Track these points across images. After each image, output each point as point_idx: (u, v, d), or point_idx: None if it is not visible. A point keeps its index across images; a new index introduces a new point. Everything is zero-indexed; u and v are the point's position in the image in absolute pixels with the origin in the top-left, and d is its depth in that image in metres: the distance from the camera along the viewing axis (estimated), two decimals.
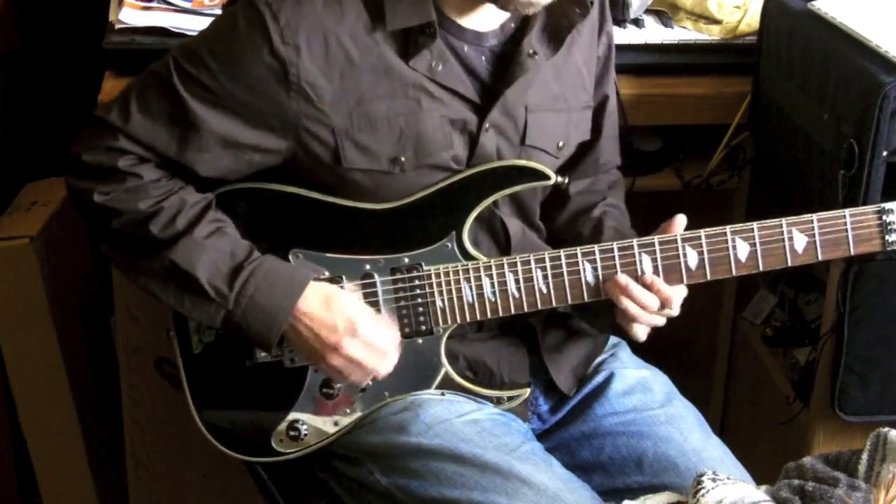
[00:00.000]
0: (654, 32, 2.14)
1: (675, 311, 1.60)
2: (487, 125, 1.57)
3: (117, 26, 2.00)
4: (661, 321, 1.61)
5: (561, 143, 1.66)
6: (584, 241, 1.64)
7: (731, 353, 2.37)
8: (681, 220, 1.59)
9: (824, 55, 1.78)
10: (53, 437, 2.38)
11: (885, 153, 1.66)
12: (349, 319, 1.52)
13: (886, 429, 1.42)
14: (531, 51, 1.58)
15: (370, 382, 1.59)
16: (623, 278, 1.56)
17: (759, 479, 1.56)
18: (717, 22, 2.14)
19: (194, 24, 2.00)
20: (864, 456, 1.41)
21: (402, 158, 1.54)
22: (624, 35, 2.09)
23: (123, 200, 1.52)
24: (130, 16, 2.01)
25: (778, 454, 2.05)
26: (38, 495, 2.45)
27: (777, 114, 1.94)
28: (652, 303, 1.57)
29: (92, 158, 1.52)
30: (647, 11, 2.18)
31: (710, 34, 2.15)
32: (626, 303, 1.56)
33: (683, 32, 2.16)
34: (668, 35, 2.14)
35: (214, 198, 1.57)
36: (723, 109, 2.07)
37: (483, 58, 1.58)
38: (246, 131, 1.51)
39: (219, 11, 2.01)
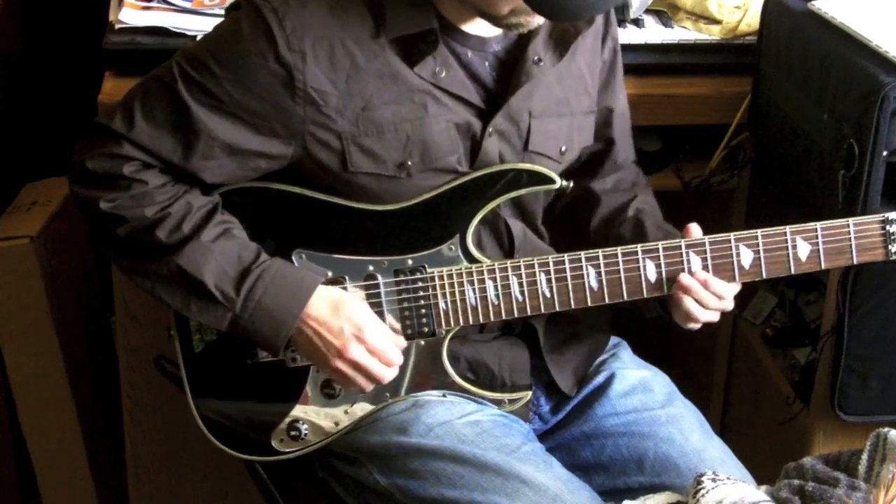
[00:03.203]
0: (654, 32, 2.14)
1: (729, 305, 1.62)
2: (491, 130, 1.57)
3: (117, 26, 1.99)
4: (715, 317, 1.62)
5: (563, 148, 1.65)
6: (626, 243, 1.61)
7: (731, 353, 2.36)
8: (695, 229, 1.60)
9: (824, 55, 1.78)
10: (53, 437, 2.37)
11: (885, 153, 1.66)
12: (356, 325, 1.52)
13: (886, 429, 1.42)
14: (536, 58, 1.58)
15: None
16: (686, 279, 1.57)
17: (759, 479, 1.56)
18: (717, 22, 2.14)
19: (194, 24, 1.99)
20: (864, 456, 1.41)
21: (409, 163, 1.54)
22: (624, 35, 2.08)
23: (129, 207, 1.51)
24: (130, 16, 2.01)
25: (778, 454, 2.05)
26: (38, 495, 2.45)
27: (777, 114, 1.93)
28: (710, 301, 1.58)
29: (96, 166, 1.51)
30: (647, 11, 2.18)
31: (710, 34, 2.14)
32: (688, 302, 1.57)
33: (683, 32, 2.16)
34: (668, 35, 2.13)
35: (220, 199, 1.56)
36: (723, 109, 2.07)
37: (487, 63, 1.58)
38: (251, 138, 1.50)
39: (219, 11, 2.00)
